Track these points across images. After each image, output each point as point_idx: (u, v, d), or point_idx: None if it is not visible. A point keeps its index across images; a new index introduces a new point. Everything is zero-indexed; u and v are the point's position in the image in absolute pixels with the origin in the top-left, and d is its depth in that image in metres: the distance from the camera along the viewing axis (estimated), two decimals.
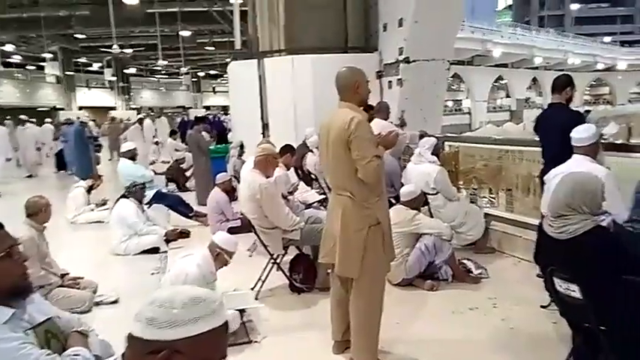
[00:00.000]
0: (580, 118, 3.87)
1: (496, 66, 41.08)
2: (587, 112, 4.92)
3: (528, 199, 4.86)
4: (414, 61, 7.68)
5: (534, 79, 45.99)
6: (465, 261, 4.47)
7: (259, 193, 3.91)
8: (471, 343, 3.23)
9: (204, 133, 8.70)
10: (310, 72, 7.25)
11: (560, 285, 2.53)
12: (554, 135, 3.89)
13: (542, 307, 3.54)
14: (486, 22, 41.58)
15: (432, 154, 4.87)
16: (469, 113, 40.72)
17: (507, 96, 46.11)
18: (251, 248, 4.95)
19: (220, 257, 3.27)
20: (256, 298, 3.91)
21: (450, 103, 41.04)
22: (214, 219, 5.74)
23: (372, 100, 3.52)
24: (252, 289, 4.08)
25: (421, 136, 5.57)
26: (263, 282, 4.15)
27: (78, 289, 4.03)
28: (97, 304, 4.04)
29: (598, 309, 2.38)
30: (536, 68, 44.49)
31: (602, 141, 3.99)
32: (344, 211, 2.79)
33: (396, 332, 3.32)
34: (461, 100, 43.70)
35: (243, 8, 10.96)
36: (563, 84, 4.07)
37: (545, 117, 4.22)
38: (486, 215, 5.11)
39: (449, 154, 5.61)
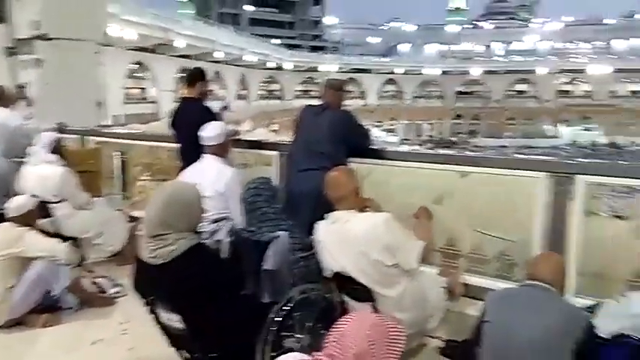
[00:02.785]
0: (212, 115, 3.69)
1: (180, 56, 41.24)
2: (225, 107, 4.91)
3: None
4: (54, 38, 6.45)
5: (217, 73, 48.29)
6: (99, 279, 3.80)
7: None
8: None
9: None
10: None
11: (163, 316, 2.15)
12: (187, 132, 3.60)
13: None
14: (168, 11, 41.22)
15: (53, 152, 3.97)
16: (155, 102, 39.71)
17: None
18: None
19: None
20: None
21: (135, 91, 39.17)
22: None
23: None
24: None
25: (60, 130, 4.59)
26: None
27: None
28: None
29: (201, 337, 2.09)
30: (218, 62, 46.75)
31: (237, 138, 3.94)
32: None
33: None
34: (145, 89, 42.25)
35: None
36: (195, 77, 3.82)
37: (178, 112, 3.90)
38: (133, 219, 4.54)
39: (84, 151, 4.79)
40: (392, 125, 57.46)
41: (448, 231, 3.66)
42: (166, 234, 1.99)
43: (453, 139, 55.20)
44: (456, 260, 3.56)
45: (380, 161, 3.49)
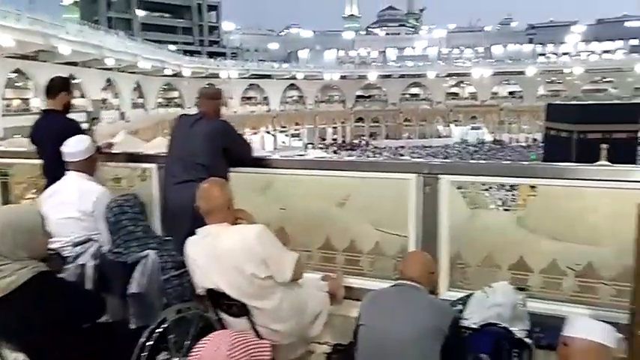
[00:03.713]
0: (77, 128, 3.40)
1: (67, 64, 38.33)
2: (95, 119, 4.52)
3: None
4: None
5: (109, 80, 45.55)
6: None
7: None
8: None
9: None
10: None
11: (9, 356, 1.92)
12: (50, 146, 3.29)
13: None
14: (50, 15, 38.07)
15: None
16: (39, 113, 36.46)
17: (82, 96, 43.92)
18: None
19: None
20: None
21: (17, 102, 35.74)
22: None
23: None
24: None
25: None
26: None
27: None
28: None
29: None
30: (110, 69, 44.14)
31: (108, 152, 3.68)
32: None
33: None
34: (28, 99, 38.73)
35: None
36: (57, 87, 3.51)
37: (39, 125, 3.56)
38: None
39: None
40: (297, 130, 58.10)
41: (351, 233, 3.73)
42: (1, 265, 1.77)
43: (356, 141, 57.09)
44: (352, 264, 3.59)
45: (263, 169, 3.45)
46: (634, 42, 69.07)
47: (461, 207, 4.74)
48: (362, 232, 3.81)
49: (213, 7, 67.81)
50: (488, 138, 56.20)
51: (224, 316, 2.34)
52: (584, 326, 1.88)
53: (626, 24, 72.94)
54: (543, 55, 70.59)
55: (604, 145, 14.71)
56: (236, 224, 2.42)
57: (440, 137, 57.08)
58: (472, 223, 4.41)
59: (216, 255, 2.26)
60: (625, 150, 29.68)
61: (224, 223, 2.36)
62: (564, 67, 61.56)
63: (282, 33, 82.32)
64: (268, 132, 55.11)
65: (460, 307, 2.89)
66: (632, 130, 34.32)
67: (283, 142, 56.12)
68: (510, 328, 2.64)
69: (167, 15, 64.88)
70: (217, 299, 2.29)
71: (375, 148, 53.46)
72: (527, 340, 2.57)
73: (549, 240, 3.75)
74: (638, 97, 52.91)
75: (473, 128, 57.36)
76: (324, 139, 57.48)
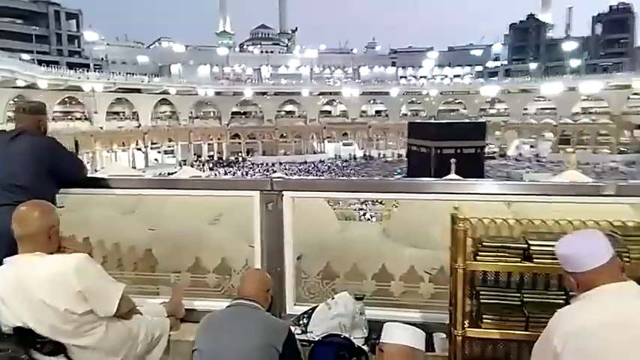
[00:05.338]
0: None
1: None
2: None
3: None
4: None
5: None
6: None
7: None
8: None
9: None
10: None
11: None
12: None
13: None
14: None
15: None
16: None
17: None
18: None
19: None
20: None
21: None
22: None
23: None
24: None
25: None
26: None
27: None
28: None
29: None
30: None
31: None
32: None
33: None
34: None
35: None
36: None
37: None
38: None
39: None
40: (170, 147, 55.74)
41: (222, 250, 3.61)
42: None
43: (232, 158, 56.44)
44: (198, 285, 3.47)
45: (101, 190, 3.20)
46: (479, 68, 78.52)
47: (331, 220, 4.93)
48: (234, 249, 3.71)
49: (72, 15, 62.58)
50: (359, 153, 59.37)
51: (38, 356, 2.09)
52: (396, 332, 2.01)
53: (472, 52, 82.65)
54: (405, 77, 77.01)
55: (453, 160, 16.37)
56: (59, 253, 2.19)
57: (315, 153, 58.85)
58: (342, 236, 4.59)
59: (23, 288, 2.02)
60: (474, 163, 33.47)
61: (39, 253, 2.12)
62: (422, 89, 67.71)
63: (153, 46, 79.00)
64: (139, 149, 52.11)
65: (305, 320, 2.96)
66: (480, 145, 38.75)
67: (156, 160, 53.46)
68: (351, 337, 2.76)
69: (19, 21, 58.50)
70: (28, 338, 2.04)
71: (252, 164, 53.37)
72: (364, 347, 2.70)
73: (409, 247, 4.00)
74: (484, 116, 60.08)
75: (345, 144, 60.21)
76: (199, 156, 55.91)
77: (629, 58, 67.29)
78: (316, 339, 2.76)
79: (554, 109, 59.66)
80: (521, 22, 79.23)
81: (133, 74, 59.44)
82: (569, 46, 71.17)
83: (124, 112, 57.18)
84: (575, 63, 67.96)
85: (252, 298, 2.29)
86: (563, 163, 41.47)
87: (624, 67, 63.93)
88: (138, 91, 56.42)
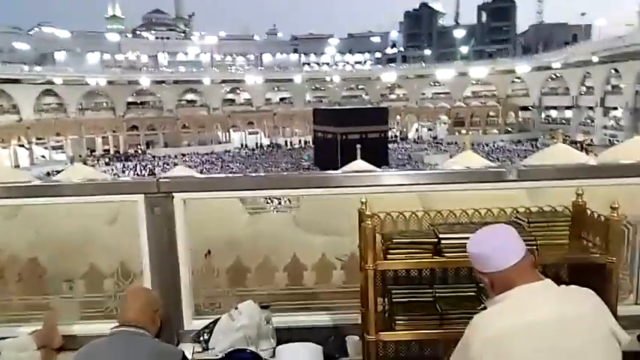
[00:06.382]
0: None
1: None
2: None
3: None
4: None
5: None
6: None
7: None
8: None
9: None
10: None
11: None
12: None
13: None
14: None
15: None
16: None
17: None
18: None
19: None
20: None
21: None
22: None
23: None
24: None
25: None
26: None
27: None
28: None
29: None
30: None
31: None
32: None
33: None
34: None
35: None
36: None
37: None
38: None
39: None
40: (59, 142, 51.13)
41: (119, 254, 3.20)
42: None
43: (131, 151, 53.18)
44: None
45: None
46: (378, 55, 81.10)
47: (240, 213, 4.65)
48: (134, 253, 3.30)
49: None
50: (266, 142, 58.76)
51: None
52: (289, 352, 1.81)
53: (372, 39, 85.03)
54: (308, 64, 77.25)
55: (358, 145, 16.63)
56: None
57: (220, 143, 57.25)
58: (251, 229, 4.33)
59: None
60: (378, 147, 34.53)
61: None
62: (325, 76, 68.32)
63: (32, 32, 71.56)
64: (22, 145, 47.17)
65: (206, 336, 2.65)
66: (383, 130, 40.05)
67: (43, 157, 48.80)
68: (258, 350, 2.51)
69: None
70: None
71: (153, 157, 50.68)
72: (272, 359, 2.47)
73: (320, 235, 3.88)
74: (385, 101, 62.25)
75: (250, 133, 59.19)
76: (93, 151, 51.88)
77: (511, 45, 73.36)
78: (219, 356, 2.48)
79: (448, 93, 63.26)
80: (414, 10, 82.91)
81: (10, 63, 53.59)
82: (458, 34, 75.86)
83: (1, 105, 51.46)
84: (464, 49, 72.60)
85: (136, 324, 1.94)
86: (459, 144, 44.39)
87: (508, 53, 69.55)
88: (17, 81, 50.94)
